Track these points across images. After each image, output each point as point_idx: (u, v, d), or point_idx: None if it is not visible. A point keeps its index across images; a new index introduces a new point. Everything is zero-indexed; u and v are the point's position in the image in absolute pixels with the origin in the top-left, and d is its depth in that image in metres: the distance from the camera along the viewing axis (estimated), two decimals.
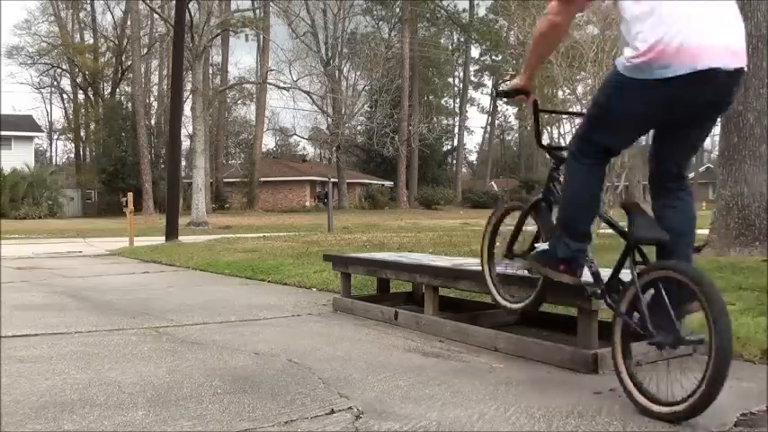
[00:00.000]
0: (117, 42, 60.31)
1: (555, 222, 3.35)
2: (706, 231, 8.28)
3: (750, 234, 7.44)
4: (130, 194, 16.14)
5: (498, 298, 3.97)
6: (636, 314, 2.97)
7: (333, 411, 2.90)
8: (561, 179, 3.43)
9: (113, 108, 54.48)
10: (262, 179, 55.38)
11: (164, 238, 15.31)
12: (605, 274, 3.28)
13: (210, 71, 55.19)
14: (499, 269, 4.00)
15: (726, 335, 2.63)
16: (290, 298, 6.55)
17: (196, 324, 5.14)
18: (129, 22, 53.54)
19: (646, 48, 2.80)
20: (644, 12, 2.84)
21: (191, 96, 31.44)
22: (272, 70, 47.84)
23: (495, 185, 75.71)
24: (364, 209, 55.25)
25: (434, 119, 65.24)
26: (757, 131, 7.49)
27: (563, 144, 3.58)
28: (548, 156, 3.63)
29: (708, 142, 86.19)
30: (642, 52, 2.80)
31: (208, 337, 4.62)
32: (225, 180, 56.80)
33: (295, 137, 68.95)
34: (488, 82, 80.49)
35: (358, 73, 59.45)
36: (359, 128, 60.43)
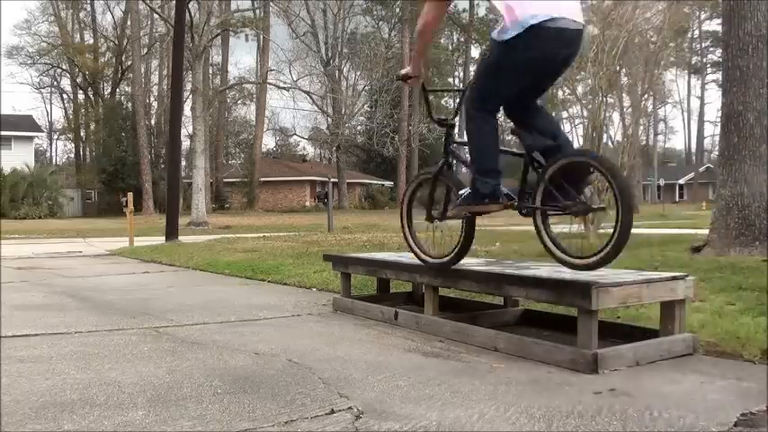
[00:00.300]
0: (117, 42, 60.35)
1: (469, 171, 4.07)
2: (706, 231, 8.28)
3: (750, 234, 7.44)
4: (130, 194, 16.13)
5: (422, 255, 4.70)
6: (550, 200, 3.81)
7: (333, 411, 2.90)
8: (454, 144, 4.46)
9: (113, 108, 54.50)
10: (262, 179, 55.40)
11: (164, 238, 15.31)
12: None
13: (210, 71, 55.19)
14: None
15: (628, 202, 3.45)
16: (290, 298, 6.55)
17: (196, 324, 5.14)
18: (129, 22, 53.60)
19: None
20: None
21: (191, 96, 31.46)
22: (272, 70, 47.87)
23: None
24: (364, 209, 55.27)
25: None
26: (757, 131, 7.49)
27: (445, 117, 4.54)
28: (438, 126, 4.54)
29: (708, 142, 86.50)
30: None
31: (208, 337, 4.62)
32: (225, 180, 56.82)
33: (295, 137, 68.99)
34: None
35: (358, 73, 59.51)
36: (359, 128, 60.46)
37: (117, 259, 12.11)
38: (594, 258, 3.63)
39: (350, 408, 2.95)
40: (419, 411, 2.90)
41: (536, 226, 3.95)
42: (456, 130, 4.70)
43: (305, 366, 3.68)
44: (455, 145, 4.50)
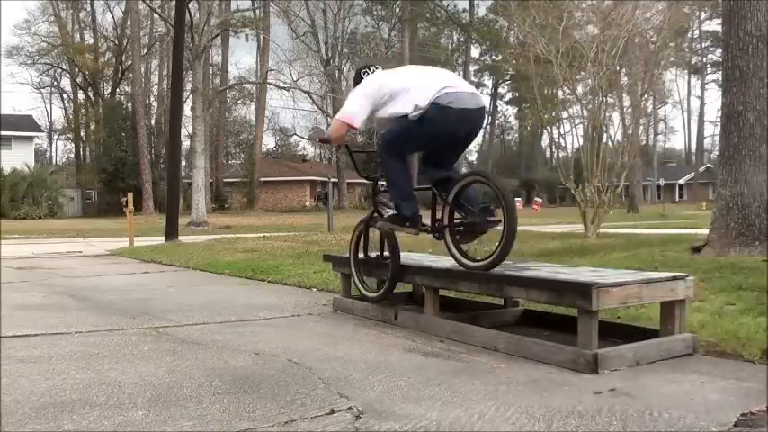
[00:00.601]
0: (117, 42, 60.31)
1: (391, 201, 4.85)
2: (706, 231, 8.28)
3: (750, 234, 7.43)
4: (130, 194, 16.12)
5: (365, 292, 5.37)
6: (456, 218, 4.64)
7: (333, 411, 2.90)
8: (381, 195, 5.18)
9: (113, 108, 54.43)
10: (262, 179, 55.39)
11: (164, 237, 15.31)
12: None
13: (210, 71, 55.16)
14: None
15: (513, 219, 4.15)
16: (290, 298, 6.55)
17: (196, 324, 5.14)
18: (129, 22, 53.57)
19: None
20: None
21: (191, 96, 31.45)
22: (272, 70, 47.83)
23: None
24: (364, 209, 55.20)
25: None
26: (757, 131, 7.48)
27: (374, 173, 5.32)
28: (368, 181, 5.37)
29: (708, 142, 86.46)
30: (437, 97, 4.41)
31: (208, 337, 4.62)
32: (225, 180, 56.78)
33: (295, 137, 68.95)
34: (488, 82, 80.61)
35: None
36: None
37: (117, 259, 12.12)
38: (487, 261, 4.31)
39: (350, 408, 2.95)
40: (419, 411, 2.90)
41: (445, 242, 4.66)
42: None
43: (305, 366, 3.68)
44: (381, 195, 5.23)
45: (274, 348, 4.18)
